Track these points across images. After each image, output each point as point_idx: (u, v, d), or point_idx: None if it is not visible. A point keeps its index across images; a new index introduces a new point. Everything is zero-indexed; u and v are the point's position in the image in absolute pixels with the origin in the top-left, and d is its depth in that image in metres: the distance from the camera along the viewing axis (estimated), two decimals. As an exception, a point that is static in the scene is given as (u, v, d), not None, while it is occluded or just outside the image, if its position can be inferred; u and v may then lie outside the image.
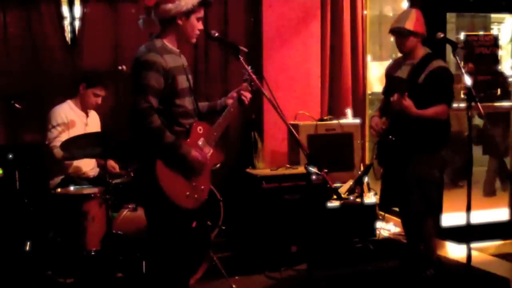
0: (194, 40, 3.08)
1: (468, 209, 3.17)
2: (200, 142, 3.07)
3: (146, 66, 2.86)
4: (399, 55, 4.13)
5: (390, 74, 4.12)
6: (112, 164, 4.40)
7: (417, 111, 3.74)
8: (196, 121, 3.09)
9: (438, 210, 4.98)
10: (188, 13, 2.95)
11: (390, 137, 3.92)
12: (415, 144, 3.87)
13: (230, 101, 3.23)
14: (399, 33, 3.91)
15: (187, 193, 2.98)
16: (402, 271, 4.18)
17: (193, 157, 2.95)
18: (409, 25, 3.86)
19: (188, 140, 3.01)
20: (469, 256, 3.25)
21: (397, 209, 4.77)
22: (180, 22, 2.96)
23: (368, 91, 6.16)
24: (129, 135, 3.03)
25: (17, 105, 4.29)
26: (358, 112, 5.83)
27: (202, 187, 3.08)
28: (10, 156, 4.30)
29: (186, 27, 2.99)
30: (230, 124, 5.44)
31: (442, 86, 3.86)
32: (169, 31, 3.00)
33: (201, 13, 3.02)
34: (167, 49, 2.97)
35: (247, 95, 3.22)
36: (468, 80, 3.35)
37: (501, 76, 5.91)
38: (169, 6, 2.92)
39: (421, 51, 3.95)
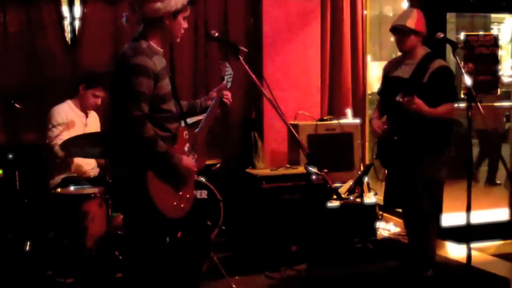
0: (178, 40, 3.00)
1: (468, 209, 3.17)
2: (186, 148, 3.02)
3: (137, 71, 2.74)
4: (399, 55, 4.12)
5: (387, 74, 4.10)
6: None
7: (428, 110, 3.72)
8: (182, 126, 3.03)
9: (440, 210, 4.99)
10: (176, 13, 2.86)
11: (395, 138, 3.90)
12: (423, 146, 3.86)
13: (210, 102, 3.18)
14: (400, 31, 3.90)
15: (175, 203, 2.93)
16: (402, 271, 4.18)
17: (184, 166, 2.88)
18: (411, 23, 3.84)
19: (176, 146, 2.94)
20: (469, 256, 3.24)
21: (399, 209, 4.77)
22: (167, 22, 2.86)
23: (368, 91, 6.16)
24: (115, 140, 2.93)
25: (17, 105, 4.29)
26: (358, 112, 5.83)
27: (188, 196, 3.03)
28: (10, 156, 4.30)
29: (173, 27, 2.89)
30: (230, 124, 5.48)
31: (448, 85, 3.85)
32: (155, 30, 2.88)
33: (187, 12, 2.93)
34: (153, 50, 2.86)
35: (228, 95, 3.17)
36: (468, 80, 3.35)
37: None
38: (158, 5, 2.80)
39: (421, 50, 3.93)
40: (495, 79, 5.68)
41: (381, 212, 5.32)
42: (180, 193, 2.97)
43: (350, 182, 5.03)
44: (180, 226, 3.07)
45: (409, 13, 3.95)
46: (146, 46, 2.84)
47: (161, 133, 2.87)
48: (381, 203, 5.21)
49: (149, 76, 2.77)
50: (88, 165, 4.48)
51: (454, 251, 4.91)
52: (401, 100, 3.73)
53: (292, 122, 5.21)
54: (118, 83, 2.82)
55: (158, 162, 2.81)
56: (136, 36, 2.90)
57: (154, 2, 2.81)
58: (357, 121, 5.50)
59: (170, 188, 2.90)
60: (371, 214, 4.96)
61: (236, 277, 4.22)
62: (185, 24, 2.95)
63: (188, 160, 2.95)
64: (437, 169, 3.94)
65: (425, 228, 4.02)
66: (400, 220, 5.12)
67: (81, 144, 3.97)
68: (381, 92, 4.22)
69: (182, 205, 2.98)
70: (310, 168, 2.90)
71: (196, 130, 3.12)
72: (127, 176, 2.87)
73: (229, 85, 3.23)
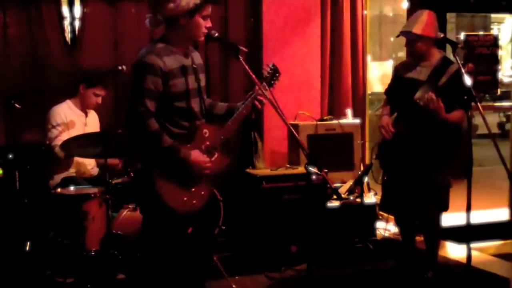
0: (201, 39, 3.01)
1: (468, 209, 3.17)
2: (204, 146, 3.02)
3: (143, 69, 2.83)
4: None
5: (401, 75, 4.02)
6: (114, 160, 4.39)
7: (446, 115, 3.69)
8: (203, 123, 3.05)
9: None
10: (191, 12, 2.87)
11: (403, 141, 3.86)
12: (438, 152, 3.86)
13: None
14: (407, 37, 3.86)
15: (185, 198, 2.94)
16: (401, 273, 4.17)
17: (192, 161, 2.90)
18: (417, 29, 3.77)
19: (191, 143, 2.96)
20: (469, 256, 3.24)
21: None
22: (183, 21, 2.88)
23: (368, 91, 6.16)
24: (128, 136, 3.02)
25: (17, 105, 4.29)
26: (358, 112, 5.83)
27: (202, 192, 3.03)
28: (10, 156, 4.30)
29: (190, 27, 2.90)
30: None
31: (462, 92, 3.83)
32: (173, 31, 2.92)
33: (207, 11, 2.93)
34: (169, 50, 2.91)
35: (262, 97, 3.09)
36: (468, 80, 3.35)
37: None
38: (170, 5, 2.85)
39: (436, 53, 3.89)
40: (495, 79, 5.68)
41: (381, 212, 5.32)
42: (193, 189, 2.97)
43: (350, 182, 5.03)
44: (191, 222, 3.06)
45: (418, 16, 3.84)
46: (162, 46, 2.90)
47: (174, 129, 2.92)
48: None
49: (155, 73, 2.83)
50: (88, 164, 4.48)
51: (454, 251, 4.91)
52: (420, 101, 3.65)
53: (292, 122, 5.20)
54: (132, 83, 2.90)
55: (164, 157, 2.85)
56: (158, 38, 2.96)
57: (167, 2, 2.85)
58: (357, 121, 5.50)
59: (179, 183, 2.91)
60: (371, 214, 4.96)
61: (236, 277, 4.22)
62: (207, 23, 2.95)
63: (198, 156, 2.94)
64: (446, 174, 3.95)
65: (431, 232, 4.03)
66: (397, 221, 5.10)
67: (81, 144, 3.97)
68: (389, 92, 4.18)
69: (194, 201, 2.98)
70: (310, 168, 2.90)
71: (221, 129, 3.11)
72: (139, 170, 2.99)
73: (268, 86, 3.14)
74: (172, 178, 2.89)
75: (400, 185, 4.02)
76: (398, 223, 4.29)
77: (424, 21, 3.79)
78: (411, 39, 3.85)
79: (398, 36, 3.94)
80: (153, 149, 2.85)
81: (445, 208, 4.01)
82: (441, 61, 3.85)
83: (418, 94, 3.73)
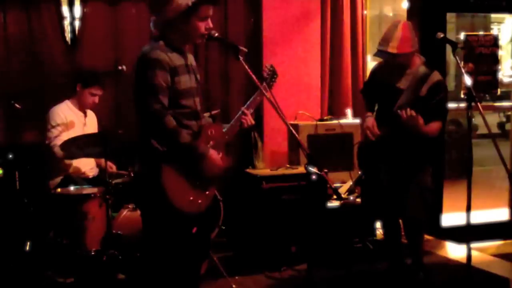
0: (198, 41, 3.02)
1: (468, 209, 3.17)
2: (209, 145, 3.02)
3: (151, 65, 2.79)
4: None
5: (381, 81, 3.95)
6: (109, 164, 4.40)
7: (425, 130, 3.69)
8: (208, 123, 3.04)
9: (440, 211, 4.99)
10: (186, 14, 2.85)
11: (380, 145, 3.86)
12: (424, 157, 3.87)
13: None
14: (383, 58, 3.80)
15: (191, 198, 2.93)
16: (394, 274, 4.15)
17: (210, 158, 2.90)
18: (392, 47, 3.67)
19: (198, 141, 2.95)
20: (469, 256, 3.24)
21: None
22: (178, 23, 2.87)
23: (368, 91, 6.15)
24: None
25: (17, 105, 4.29)
26: (358, 112, 5.82)
27: (207, 192, 3.03)
28: (10, 156, 4.30)
29: (186, 28, 2.90)
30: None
31: (442, 103, 3.82)
32: (171, 32, 2.92)
33: (205, 12, 2.90)
34: (170, 47, 2.90)
35: (246, 119, 3.12)
36: (468, 80, 3.34)
37: None
38: (166, 8, 2.84)
39: (418, 60, 3.84)
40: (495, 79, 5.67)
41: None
42: (199, 188, 2.96)
43: (350, 182, 5.03)
44: (196, 222, 3.06)
45: (391, 33, 3.71)
46: (163, 44, 2.89)
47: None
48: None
49: (164, 69, 2.81)
50: (87, 165, 4.48)
51: (454, 251, 4.92)
52: (404, 115, 3.63)
53: (292, 122, 5.20)
54: (137, 79, 2.86)
55: (183, 153, 2.83)
56: (157, 37, 2.94)
57: (163, 5, 2.85)
58: (357, 121, 5.49)
59: (187, 182, 2.90)
60: (371, 214, 4.96)
61: (236, 277, 4.22)
62: (206, 24, 2.94)
63: (215, 154, 2.95)
64: (430, 177, 3.98)
65: (418, 234, 4.03)
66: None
67: (80, 145, 3.97)
68: (367, 93, 4.14)
69: (199, 201, 2.97)
70: (310, 168, 2.90)
71: (225, 129, 3.12)
72: (143, 172, 2.92)
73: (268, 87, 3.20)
74: (179, 177, 2.87)
75: (382, 187, 4.00)
76: (383, 225, 4.28)
77: (398, 38, 3.68)
78: (387, 59, 3.79)
79: (375, 55, 3.84)
80: (172, 146, 2.82)
81: (430, 209, 4.01)
82: (422, 68, 3.80)
83: (398, 105, 3.71)
